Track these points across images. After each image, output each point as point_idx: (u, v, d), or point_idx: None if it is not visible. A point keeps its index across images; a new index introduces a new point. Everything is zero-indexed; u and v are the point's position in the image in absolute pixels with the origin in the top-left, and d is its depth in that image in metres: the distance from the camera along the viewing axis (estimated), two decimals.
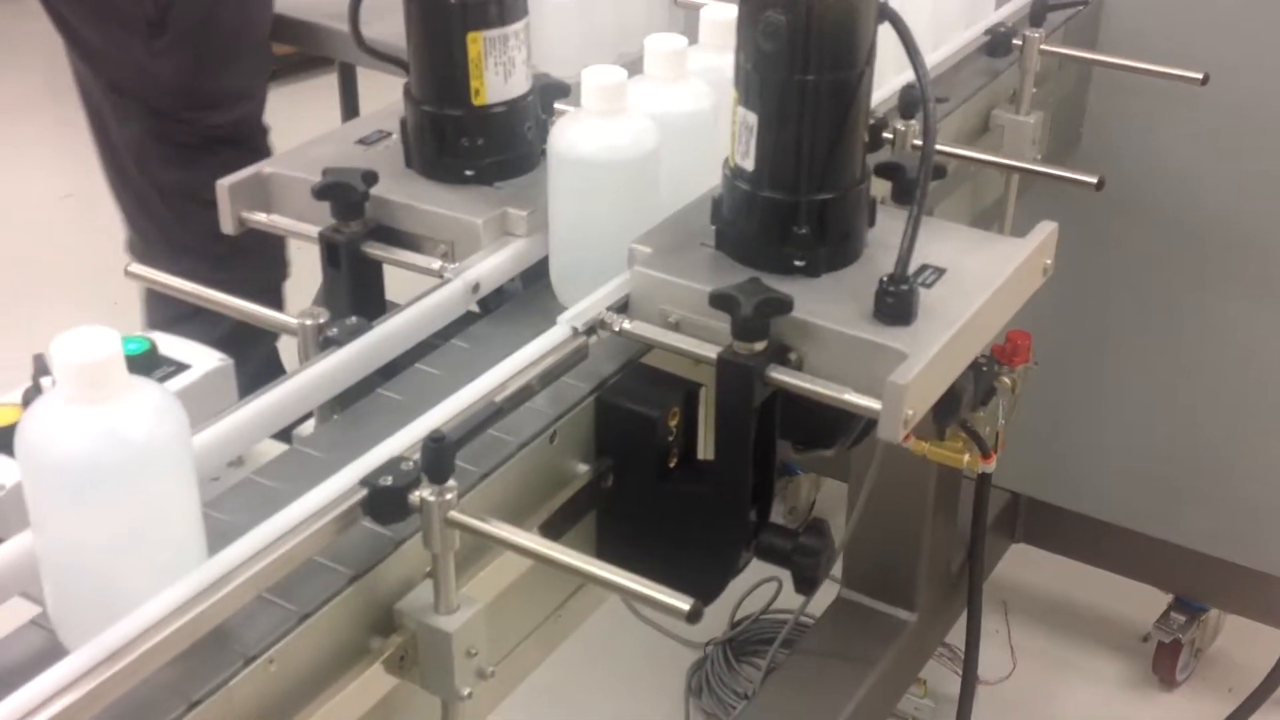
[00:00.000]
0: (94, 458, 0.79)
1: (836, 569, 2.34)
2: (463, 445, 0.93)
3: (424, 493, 0.91)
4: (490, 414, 0.96)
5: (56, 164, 4.49)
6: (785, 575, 2.58)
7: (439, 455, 0.91)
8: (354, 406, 1.13)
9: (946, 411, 1.54)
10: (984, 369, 1.81)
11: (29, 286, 3.72)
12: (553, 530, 1.10)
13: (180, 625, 0.81)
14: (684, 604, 0.87)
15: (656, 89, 1.22)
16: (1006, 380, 1.90)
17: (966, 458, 1.89)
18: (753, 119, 1.08)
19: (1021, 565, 2.55)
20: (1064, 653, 2.50)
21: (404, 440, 0.96)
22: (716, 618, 2.51)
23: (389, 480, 0.92)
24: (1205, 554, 2.28)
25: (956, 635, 2.39)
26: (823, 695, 2.07)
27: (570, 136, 1.16)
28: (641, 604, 0.89)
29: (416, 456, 0.94)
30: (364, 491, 0.92)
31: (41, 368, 1.00)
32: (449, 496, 0.91)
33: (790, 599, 2.48)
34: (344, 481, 0.93)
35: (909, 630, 2.19)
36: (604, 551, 1.16)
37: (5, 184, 4.26)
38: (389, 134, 1.34)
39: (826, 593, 2.36)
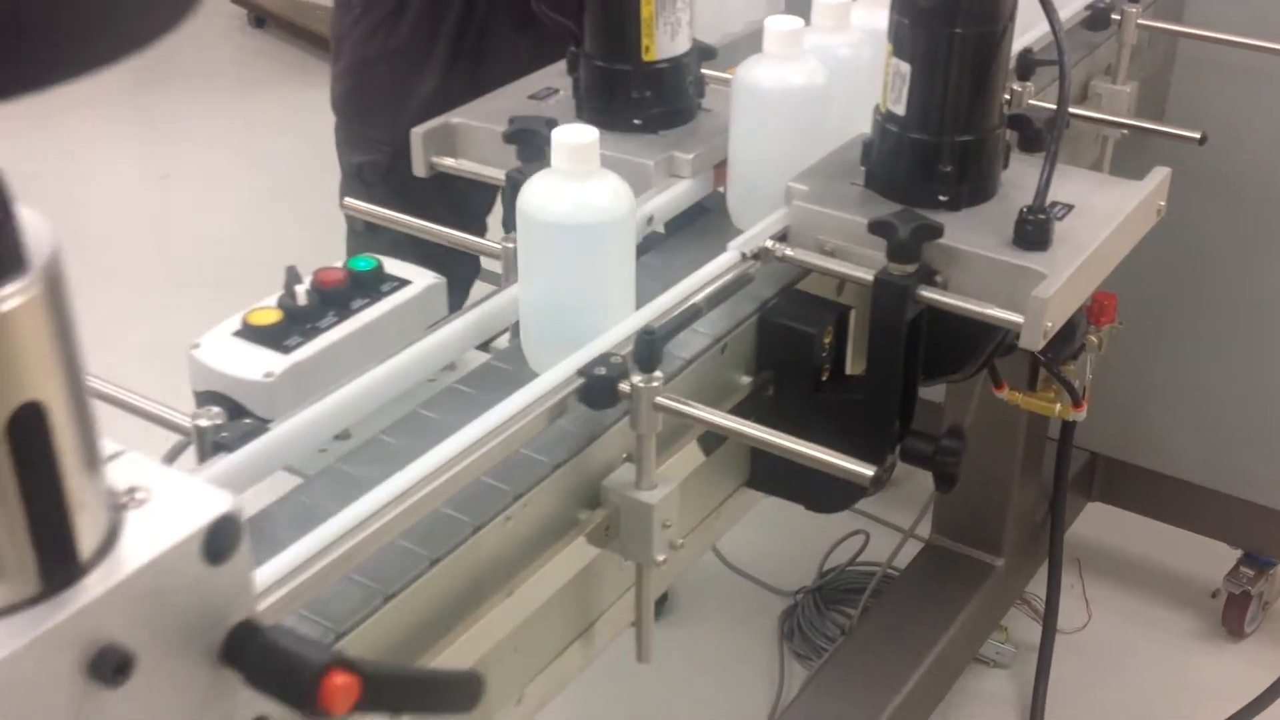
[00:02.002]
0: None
1: (924, 526, 2.48)
2: (669, 340, 1.08)
3: (635, 380, 1.05)
4: (690, 315, 1.11)
5: (150, 148, 4.64)
6: (872, 529, 2.71)
7: (650, 347, 1.05)
8: None
9: (1063, 341, 1.67)
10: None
11: (144, 258, 3.87)
12: (716, 438, 1.24)
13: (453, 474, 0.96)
14: (868, 470, 1.01)
15: (775, 65, 1.30)
16: (1094, 338, 2.03)
17: (1058, 407, 2.03)
18: (905, 68, 1.22)
19: (1096, 524, 2.66)
20: (1137, 605, 2.61)
21: (612, 338, 1.11)
22: (805, 567, 2.65)
23: (602, 370, 1.06)
24: (1274, 509, 2.38)
25: (1034, 588, 2.52)
26: (914, 632, 2.21)
27: (540, 198, 1.12)
28: (827, 470, 1.04)
29: (623, 352, 1.08)
30: (580, 380, 1.06)
31: (294, 277, 1.15)
32: (655, 384, 1.06)
33: (875, 553, 2.62)
34: (560, 374, 1.07)
35: (996, 574, 2.32)
36: (762, 457, 1.30)
37: (108, 166, 4.41)
38: (557, 90, 1.49)
39: (910, 549, 2.50)
